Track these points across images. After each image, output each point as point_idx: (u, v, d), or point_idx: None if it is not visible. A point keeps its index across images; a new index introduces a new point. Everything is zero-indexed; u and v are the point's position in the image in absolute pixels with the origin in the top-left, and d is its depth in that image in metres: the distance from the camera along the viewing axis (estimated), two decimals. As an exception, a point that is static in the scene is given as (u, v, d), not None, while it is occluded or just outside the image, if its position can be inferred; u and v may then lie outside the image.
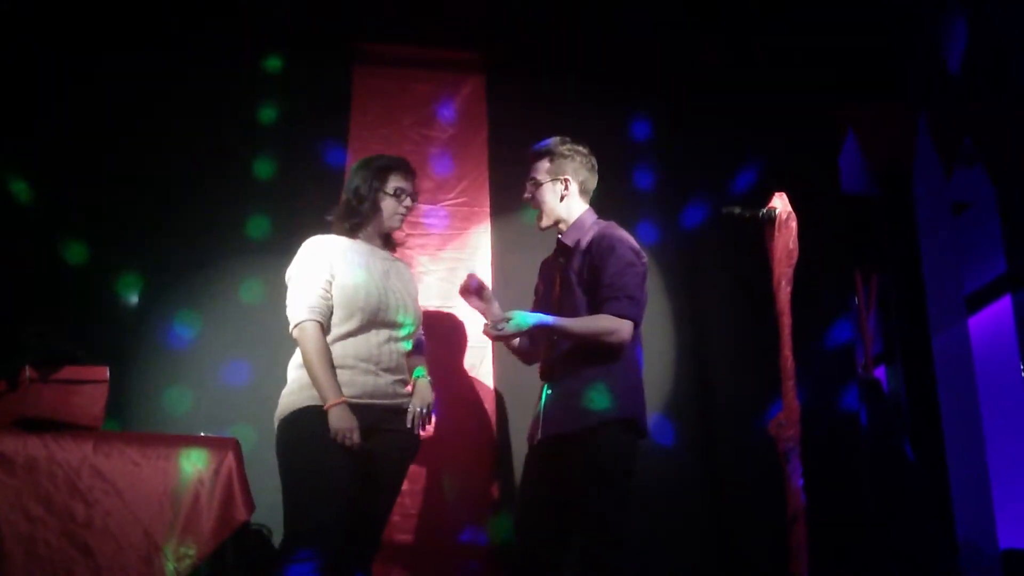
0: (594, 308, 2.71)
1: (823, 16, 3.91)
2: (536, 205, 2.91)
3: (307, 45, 3.80)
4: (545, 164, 2.89)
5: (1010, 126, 4.31)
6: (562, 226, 2.89)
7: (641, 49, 3.99)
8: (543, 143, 2.92)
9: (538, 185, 2.89)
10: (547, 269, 3.02)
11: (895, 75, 4.28)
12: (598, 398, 2.65)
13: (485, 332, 2.74)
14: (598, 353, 2.68)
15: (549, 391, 2.79)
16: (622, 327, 2.65)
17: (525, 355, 3.03)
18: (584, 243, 2.81)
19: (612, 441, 2.62)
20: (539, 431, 2.76)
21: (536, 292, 3.05)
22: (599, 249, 2.75)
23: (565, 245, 2.87)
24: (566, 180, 2.87)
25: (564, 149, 2.90)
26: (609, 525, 2.58)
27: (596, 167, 2.94)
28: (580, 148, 2.93)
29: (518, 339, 2.90)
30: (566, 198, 2.88)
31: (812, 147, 4.08)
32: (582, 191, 2.90)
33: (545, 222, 2.91)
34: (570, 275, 2.80)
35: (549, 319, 2.71)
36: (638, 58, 4.00)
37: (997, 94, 4.35)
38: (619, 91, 3.99)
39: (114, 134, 3.54)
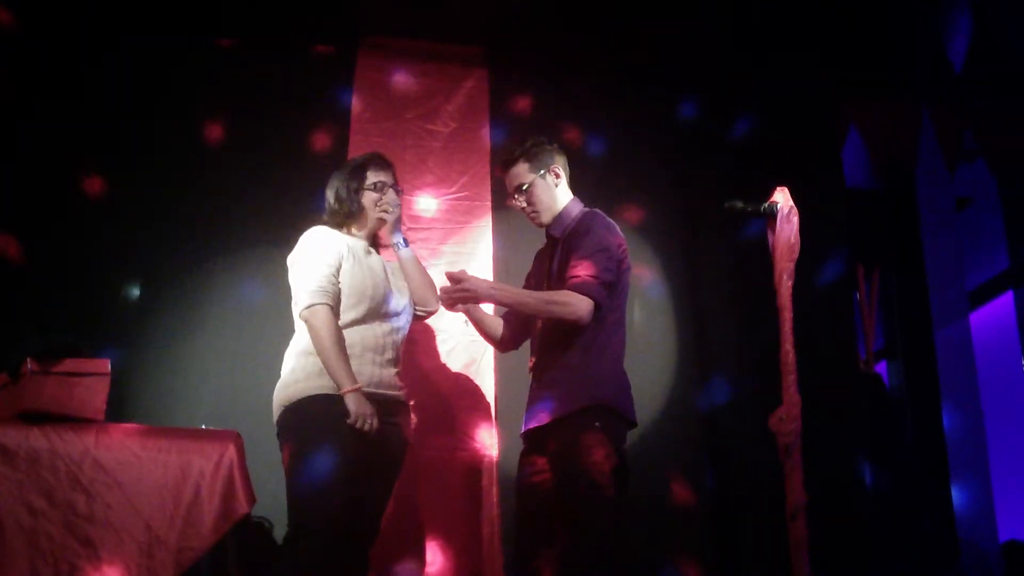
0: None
1: (827, 10, 3.90)
2: (533, 211, 2.85)
3: (310, 38, 3.79)
4: (523, 166, 2.83)
5: (1013, 121, 4.30)
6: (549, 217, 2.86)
7: (642, 44, 3.97)
8: (508, 154, 2.86)
9: (527, 188, 2.82)
10: (540, 261, 3.00)
11: (898, 70, 4.27)
12: (573, 387, 2.64)
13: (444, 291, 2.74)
14: (573, 342, 2.66)
15: (532, 384, 2.80)
16: (578, 303, 2.60)
17: (499, 342, 2.99)
18: (568, 232, 2.80)
19: (589, 428, 2.58)
20: (523, 424, 2.79)
21: (527, 282, 3.03)
22: (576, 234, 2.74)
23: (553, 236, 2.86)
24: (553, 169, 2.85)
25: (534, 147, 2.85)
26: (587, 514, 2.53)
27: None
28: (545, 139, 2.89)
29: (480, 318, 2.90)
30: (557, 188, 2.85)
31: (815, 141, 4.07)
32: (566, 178, 2.89)
33: (546, 218, 2.86)
34: (554, 266, 2.79)
35: (503, 286, 2.73)
36: (639, 53, 3.99)
37: (1000, 89, 4.33)
38: (620, 86, 3.98)
39: (115, 130, 3.53)
